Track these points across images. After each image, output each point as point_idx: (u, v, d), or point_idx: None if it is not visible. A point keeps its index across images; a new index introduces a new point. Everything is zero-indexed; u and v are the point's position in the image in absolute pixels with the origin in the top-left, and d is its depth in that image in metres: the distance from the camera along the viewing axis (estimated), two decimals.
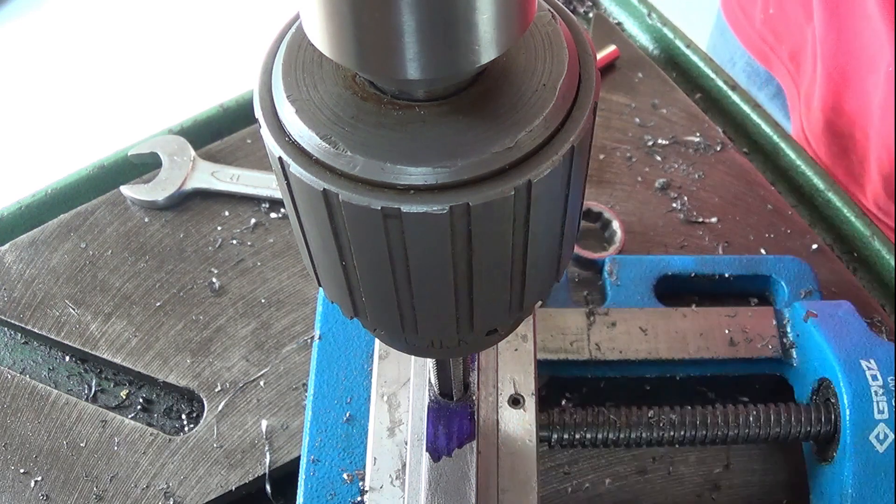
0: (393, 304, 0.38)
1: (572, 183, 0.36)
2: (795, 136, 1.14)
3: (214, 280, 0.82)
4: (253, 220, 0.86)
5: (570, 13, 0.37)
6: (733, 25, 1.20)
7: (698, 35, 1.05)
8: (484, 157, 0.32)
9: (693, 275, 0.78)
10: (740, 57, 1.21)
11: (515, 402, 0.61)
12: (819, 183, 0.89)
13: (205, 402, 0.74)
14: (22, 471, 0.71)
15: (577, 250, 0.81)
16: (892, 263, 0.83)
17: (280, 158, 0.34)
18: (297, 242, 0.40)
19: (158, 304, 0.80)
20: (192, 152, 0.89)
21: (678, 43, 1.00)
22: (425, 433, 0.57)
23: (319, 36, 0.31)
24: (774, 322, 0.72)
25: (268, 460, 0.70)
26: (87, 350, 0.77)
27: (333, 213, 0.34)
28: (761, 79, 1.21)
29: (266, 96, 0.35)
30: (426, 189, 0.32)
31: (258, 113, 0.35)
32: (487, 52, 0.30)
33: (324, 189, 0.32)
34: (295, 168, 0.33)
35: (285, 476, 0.70)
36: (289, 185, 0.35)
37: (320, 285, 0.42)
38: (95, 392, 0.77)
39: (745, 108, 0.95)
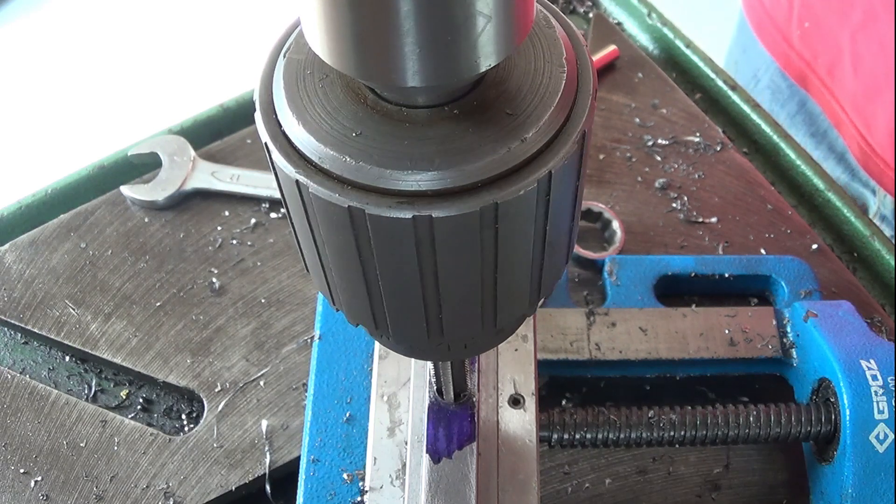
0: (420, 312, 0.37)
1: (581, 172, 0.37)
2: (856, 153, 1.08)
3: (214, 280, 0.82)
4: (253, 220, 0.86)
5: (564, 16, 0.37)
6: (771, 49, 1.16)
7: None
8: (502, 155, 0.32)
9: (693, 275, 0.78)
10: (764, 72, 1.19)
11: (515, 402, 0.61)
12: (819, 183, 0.89)
13: (205, 402, 0.74)
14: (22, 471, 0.71)
15: (577, 250, 0.81)
16: (892, 263, 0.83)
17: (297, 182, 0.32)
18: (310, 270, 0.39)
19: (158, 304, 0.80)
20: (192, 152, 0.89)
21: (678, 43, 1.00)
22: (425, 434, 0.57)
23: (321, 45, 0.31)
24: (774, 322, 0.72)
25: (268, 460, 0.70)
26: (87, 350, 0.77)
27: (358, 229, 0.33)
28: (784, 96, 1.19)
29: (268, 107, 0.34)
30: (458, 192, 0.32)
31: (264, 137, 0.34)
32: (489, 59, 0.31)
33: (349, 206, 0.31)
34: (315, 188, 0.32)
35: (285, 476, 0.70)
36: (305, 206, 0.33)
37: (334, 303, 0.40)
38: (95, 392, 0.77)
39: (745, 108, 0.95)
